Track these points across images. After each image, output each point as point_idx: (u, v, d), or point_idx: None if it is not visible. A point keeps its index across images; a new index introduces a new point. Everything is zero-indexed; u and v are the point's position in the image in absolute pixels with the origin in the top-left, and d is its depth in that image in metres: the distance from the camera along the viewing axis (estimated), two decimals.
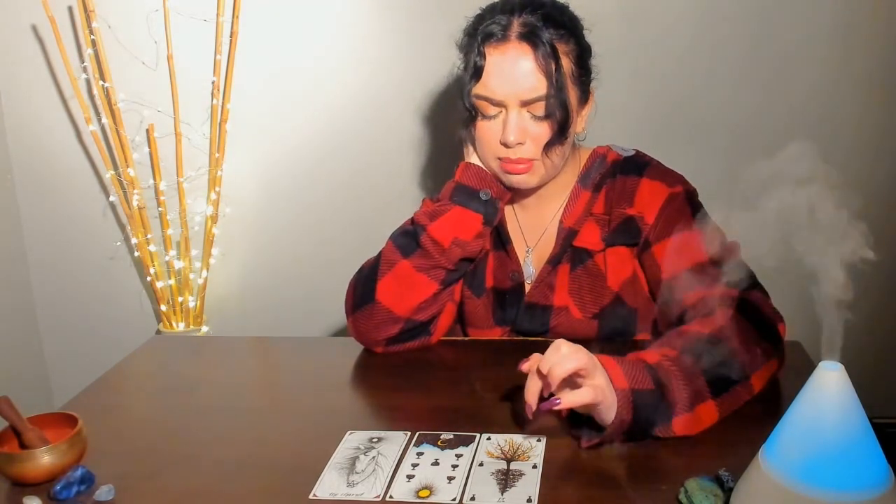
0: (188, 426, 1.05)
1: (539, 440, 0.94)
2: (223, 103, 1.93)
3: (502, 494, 0.84)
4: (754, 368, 0.98)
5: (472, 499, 0.83)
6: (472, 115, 1.17)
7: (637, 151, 1.26)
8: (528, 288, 1.27)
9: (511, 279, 1.27)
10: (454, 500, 0.83)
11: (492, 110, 1.14)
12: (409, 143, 1.98)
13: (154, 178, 1.99)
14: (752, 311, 1.03)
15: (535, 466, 0.89)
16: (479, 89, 1.14)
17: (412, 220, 1.22)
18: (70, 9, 1.93)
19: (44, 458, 0.88)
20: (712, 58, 1.86)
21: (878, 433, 0.69)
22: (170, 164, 1.97)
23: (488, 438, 0.95)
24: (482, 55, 1.12)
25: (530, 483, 0.85)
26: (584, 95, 1.18)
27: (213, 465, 0.94)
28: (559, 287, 1.24)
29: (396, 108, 1.96)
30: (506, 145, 1.14)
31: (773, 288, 1.11)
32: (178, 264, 2.02)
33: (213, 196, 1.98)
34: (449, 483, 0.86)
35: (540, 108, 1.12)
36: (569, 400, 0.88)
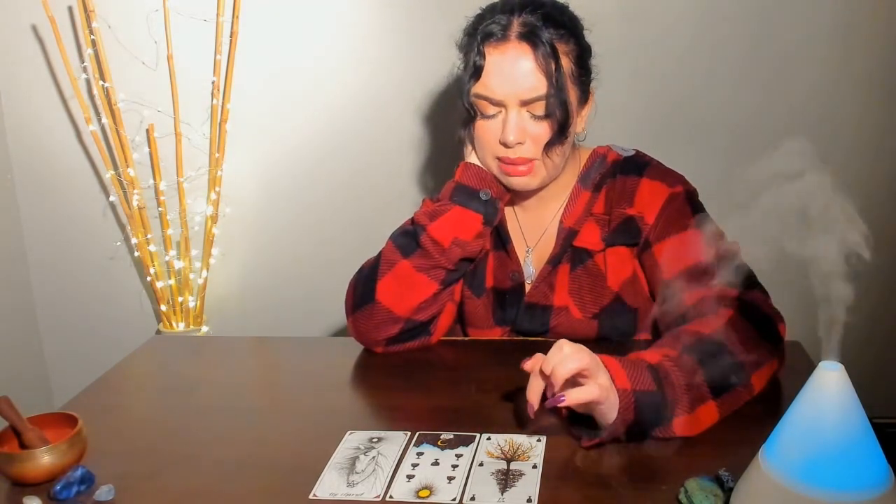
0: (188, 426, 1.05)
1: (539, 440, 0.94)
2: (223, 103, 1.93)
3: (502, 494, 0.84)
4: (754, 369, 0.98)
5: (472, 499, 0.83)
6: (471, 114, 1.17)
7: (637, 151, 1.26)
8: (528, 288, 1.27)
9: (511, 279, 1.27)
10: (454, 500, 0.83)
11: (491, 110, 1.14)
12: (409, 143, 1.98)
13: (154, 178, 1.99)
14: (753, 311, 1.03)
15: (535, 466, 0.89)
16: (478, 89, 1.14)
17: (412, 220, 1.22)
18: (70, 9, 1.93)
19: (44, 458, 0.88)
20: (712, 58, 1.86)
21: (878, 433, 0.69)
22: (170, 164, 1.97)
23: (488, 438, 0.95)
24: (482, 55, 1.12)
25: (530, 483, 0.85)
26: (584, 95, 1.18)
27: (213, 465, 0.94)
28: (559, 287, 1.24)
29: (396, 108, 1.96)
30: (505, 145, 1.14)
31: (773, 288, 1.11)
32: (178, 264, 2.02)
33: (213, 196, 1.98)
34: (449, 483, 0.86)
35: (539, 108, 1.12)
36: (573, 397, 0.88)
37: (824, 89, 1.86)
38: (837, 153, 1.85)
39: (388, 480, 0.88)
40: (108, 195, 2.06)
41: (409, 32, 1.92)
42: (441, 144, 1.95)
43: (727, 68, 1.87)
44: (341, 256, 1.63)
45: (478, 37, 1.13)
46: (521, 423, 0.98)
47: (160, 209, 1.99)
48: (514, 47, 1.11)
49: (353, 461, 0.92)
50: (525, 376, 0.93)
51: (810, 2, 1.81)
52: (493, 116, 1.15)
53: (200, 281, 2.03)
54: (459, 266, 1.21)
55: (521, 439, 0.94)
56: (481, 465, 0.90)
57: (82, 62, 1.93)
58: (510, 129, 1.12)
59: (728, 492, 0.78)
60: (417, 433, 0.97)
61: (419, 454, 0.93)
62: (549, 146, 1.14)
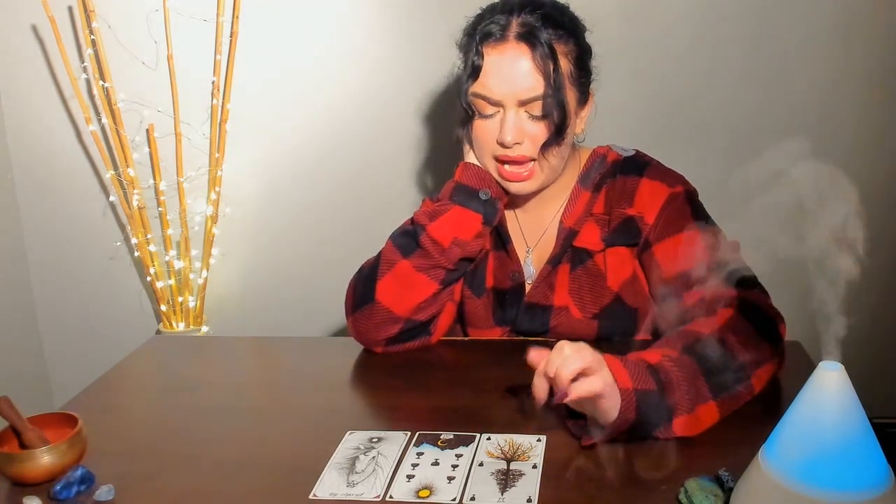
0: (188, 426, 1.05)
1: (539, 440, 0.94)
2: (223, 103, 1.93)
3: (502, 494, 0.84)
4: (754, 369, 0.98)
5: (472, 499, 0.83)
6: (468, 114, 1.17)
7: (637, 151, 1.26)
8: (528, 288, 1.27)
9: (511, 279, 1.27)
10: (454, 500, 0.83)
11: (489, 109, 1.14)
12: (409, 143, 1.98)
13: (154, 178, 1.99)
14: (753, 311, 1.03)
15: (535, 466, 0.89)
16: (476, 88, 1.14)
17: (412, 220, 1.22)
18: (70, 9, 1.93)
19: (44, 458, 0.88)
20: (712, 58, 1.86)
21: (878, 433, 0.69)
22: (170, 164, 1.97)
23: (488, 438, 0.95)
24: (480, 54, 1.13)
25: (530, 483, 0.85)
26: (584, 96, 1.18)
27: (213, 465, 0.94)
28: (559, 287, 1.24)
29: (396, 108, 1.96)
30: (503, 145, 1.14)
31: (773, 288, 1.11)
32: (178, 264, 2.02)
33: (213, 196, 1.98)
34: (449, 483, 0.86)
35: (537, 108, 1.12)
36: (579, 390, 0.87)
37: (824, 89, 1.86)
38: (837, 153, 1.85)
39: (388, 480, 0.88)
40: (108, 195, 2.06)
41: (409, 32, 1.92)
42: (441, 144, 1.95)
43: (727, 68, 1.87)
44: (341, 256, 1.63)
45: (477, 37, 1.13)
46: (521, 423, 0.98)
47: (160, 209, 1.99)
48: (513, 47, 1.11)
49: (353, 461, 0.92)
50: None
51: (810, 2, 1.81)
52: (491, 116, 1.15)
53: (200, 281, 2.03)
54: (459, 266, 1.21)
55: (521, 439, 0.94)
56: (481, 465, 0.90)
57: (82, 62, 1.93)
58: (508, 129, 1.12)
59: (728, 492, 0.78)
60: (417, 433, 0.97)
61: (419, 454, 0.93)
62: (545, 147, 1.14)
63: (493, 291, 1.29)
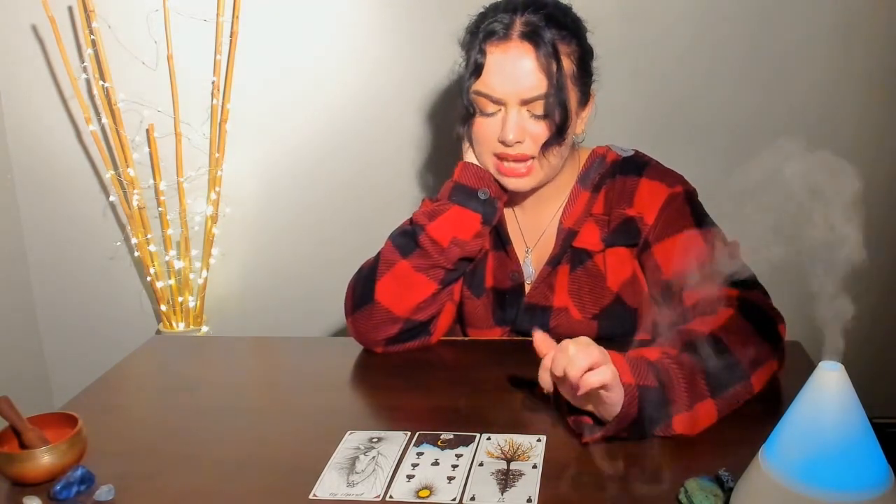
0: (188, 426, 1.05)
1: (539, 440, 0.94)
2: (223, 103, 1.93)
3: (502, 494, 0.84)
4: (754, 368, 0.98)
5: (472, 499, 0.83)
6: (469, 111, 1.17)
7: (636, 152, 1.26)
8: (527, 288, 1.27)
9: (511, 279, 1.27)
10: (454, 500, 0.83)
11: (491, 108, 1.14)
12: (409, 143, 1.98)
13: (154, 178, 1.99)
14: (752, 311, 1.03)
15: (535, 466, 0.89)
16: (479, 86, 1.14)
17: (411, 220, 1.22)
18: (70, 9, 1.93)
19: (44, 458, 0.88)
20: (712, 58, 1.86)
21: (878, 433, 0.69)
22: (170, 164, 1.97)
23: (488, 438, 0.95)
24: (483, 53, 1.13)
25: (530, 483, 0.85)
26: (585, 97, 1.19)
27: (213, 465, 0.94)
28: (559, 288, 1.24)
29: (396, 108, 1.96)
30: (504, 143, 1.14)
31: (773, 288, 1.11)
32: (178, 264, 2.02)
33: (213, 196, 1.97)
34: (449, 483, 0.86)
35: (539, 107, 1.12)
36: (589, 381, 0.86)
37: (824, 89, 1.86)
38: (837, 153, 1.84)
39: (388, 480, 0.88)
40: (108, 195, 2.06)
41: (409, 32, 1.92)
42: (441, 144, 1.95)
43: (727, 68, 1.86)
44: (341, 256, 1.63)
45: (480, 35, 1.14)
46: (521, 423, 0.98)
47: (160, 209, 1.99)
48: (516, 46, 1.11)
49: (353, 461, 0.92)
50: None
51: (810, 2, 1.81)
52: (492, 114, 1.15)
53: (200, 281, 2.03)
54: (458, 266, 1.21)
55: (521, 439, 0.94)
56: (481, 465, 0.90)
57: (82, 62, 1.93)
58: (510, 128, 1.12)
59: (728, 492, 0.78)
60: (417, 433, 0.97)
61: (419, 454, 0.93)
62: (546, 146, 1.14)
63: (492, 291, 1.29)
